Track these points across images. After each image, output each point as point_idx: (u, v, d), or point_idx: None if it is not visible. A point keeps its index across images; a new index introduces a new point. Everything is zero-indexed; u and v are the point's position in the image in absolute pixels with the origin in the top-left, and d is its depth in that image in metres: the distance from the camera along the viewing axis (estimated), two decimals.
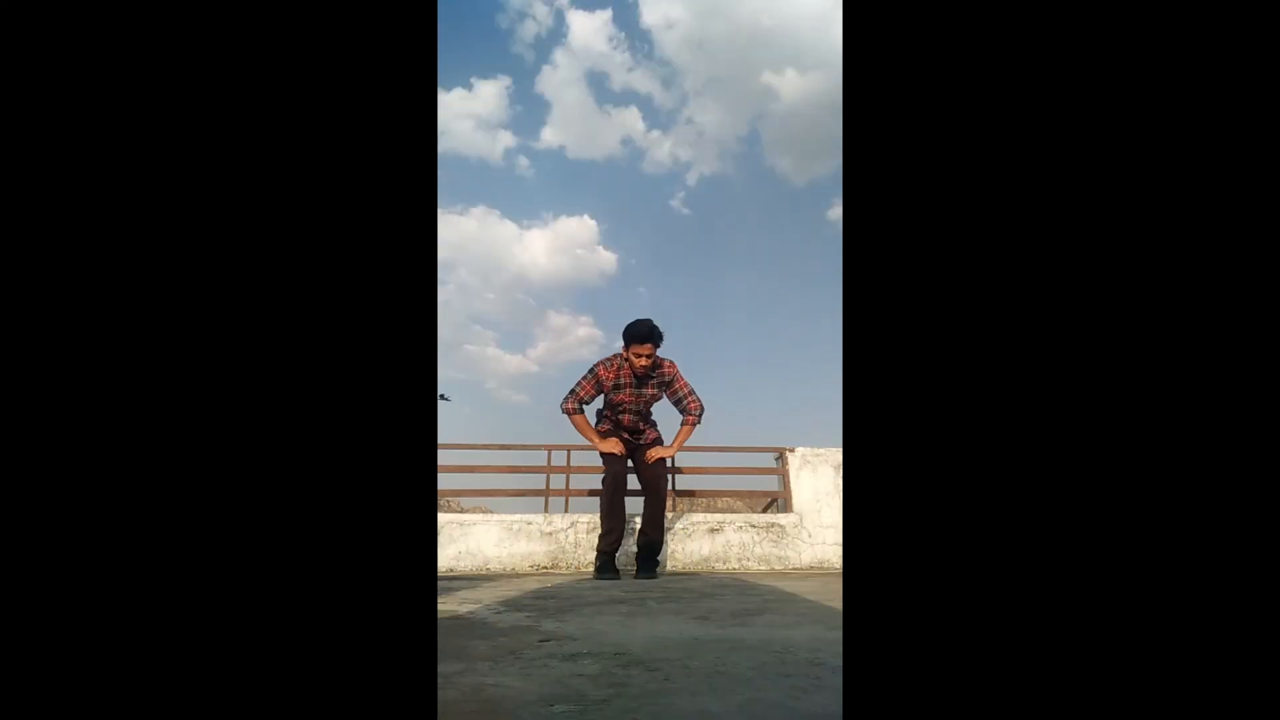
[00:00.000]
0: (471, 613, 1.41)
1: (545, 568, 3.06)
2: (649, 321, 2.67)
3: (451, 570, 2.96)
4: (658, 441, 2.80)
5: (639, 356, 2.63)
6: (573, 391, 2.70)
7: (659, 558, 2.77)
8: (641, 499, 2.76)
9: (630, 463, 2.77)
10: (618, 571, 2.60)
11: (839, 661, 0.82)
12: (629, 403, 2.75)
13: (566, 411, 2.68)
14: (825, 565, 3.20)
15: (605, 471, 2.71)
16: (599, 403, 2.84)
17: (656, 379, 2.74)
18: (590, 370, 2.72)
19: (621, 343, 2.71)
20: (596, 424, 2.78)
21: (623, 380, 2.72)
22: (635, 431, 2.78)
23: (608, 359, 2.73)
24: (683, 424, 2.75)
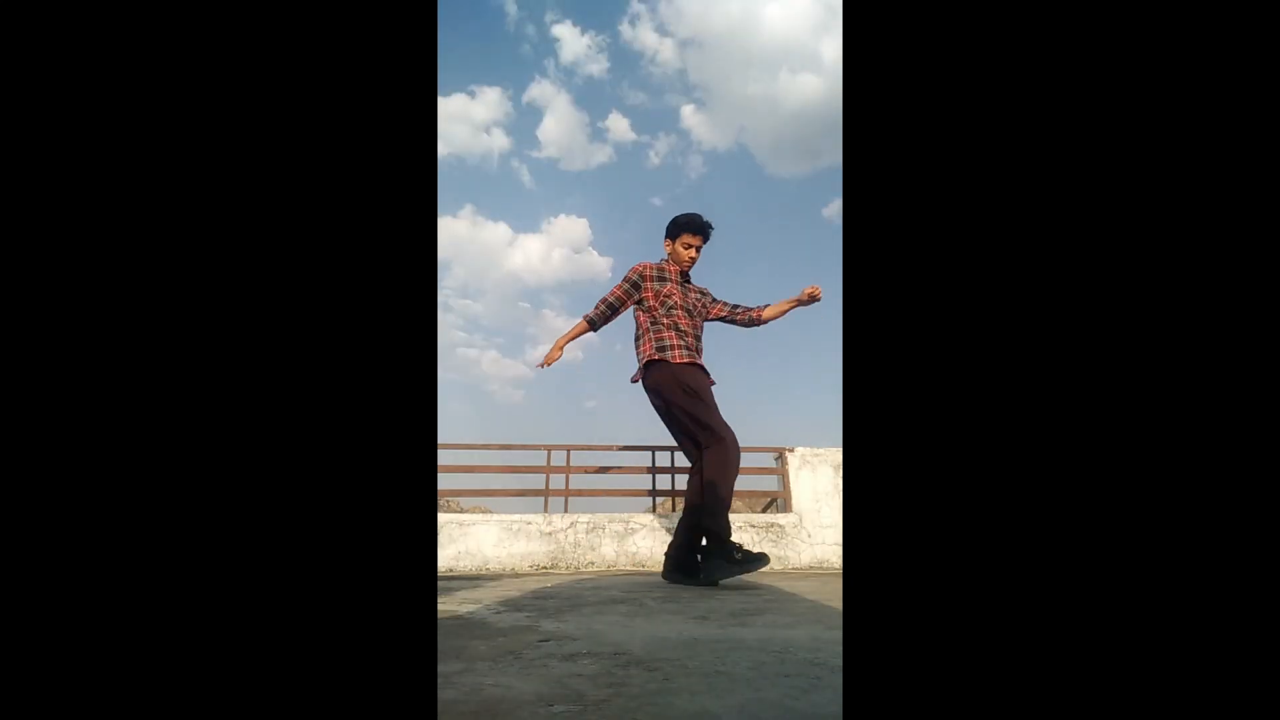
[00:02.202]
0: (471, 613, 1.41)
1: (545, 568, 3.07)
2: (699, 215, 2.30)
3: (451, 570, 2.96)
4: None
5: (688, 248, 2.28)
6: (602, 299, 2.32)
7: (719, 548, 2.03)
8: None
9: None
10: (745, 556, 2.01)
11: (838, 661, 0.82)
12: (677, 296, 2.25)
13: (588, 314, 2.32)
14: (825, 565, 3.20)
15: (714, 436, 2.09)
16: (624, 327, 2.37)
17: (701, 287, 2.37)
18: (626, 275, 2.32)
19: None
20: (652, 337, 2.24)
21: (668, 274, 2.29)
22: (698, 337, 2.24)
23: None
24: (764, 311, 2.37)
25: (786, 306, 2.39)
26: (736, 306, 2.43)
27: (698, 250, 2.33)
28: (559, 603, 1.59)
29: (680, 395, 2.16)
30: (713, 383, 2.30)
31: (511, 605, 1.54)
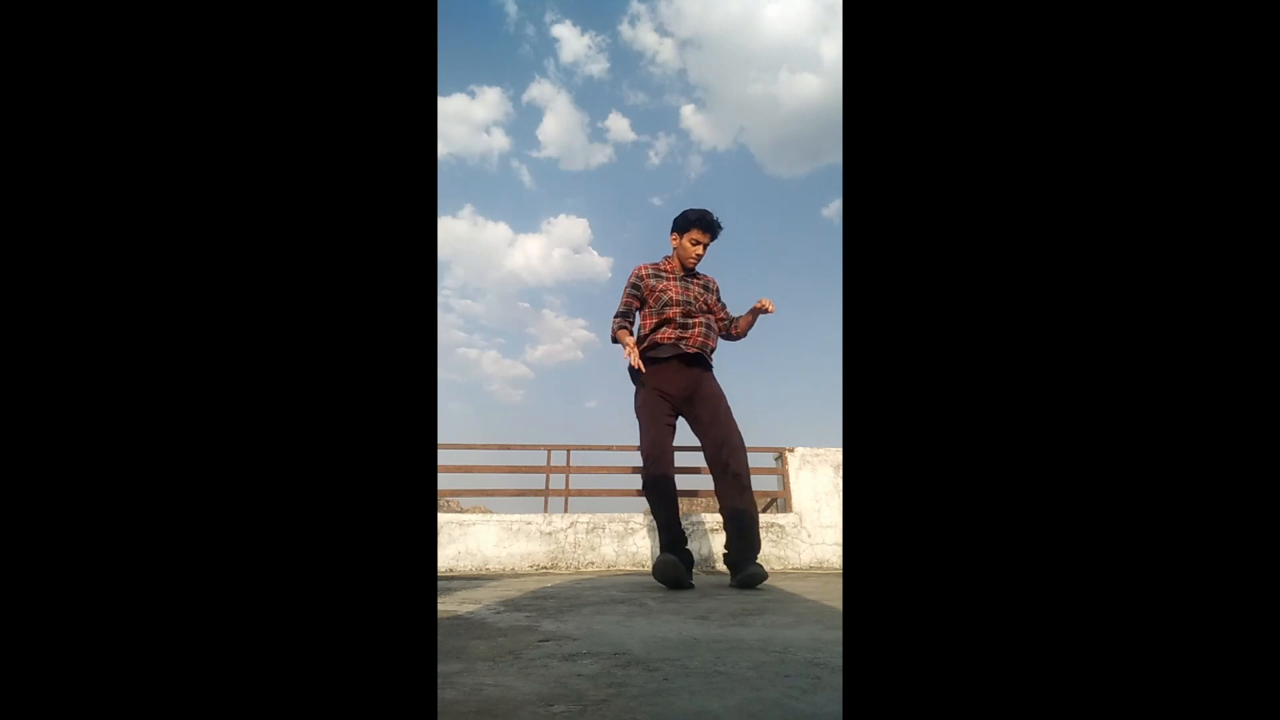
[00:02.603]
0: (471, 613, 1.41)
1: (545, 568, 3.07)
2: (708, 211, 2.28)
3: (451, 570, 2.97)
4: (708, 348, 2.27)
5: (696, 245, 2.28)
6: (616, 312, 2.36)
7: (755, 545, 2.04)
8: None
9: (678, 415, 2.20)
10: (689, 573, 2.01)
11: (838, 661, 0.82)
12: (674, 294, 2.27)
13: (613, 334, 2.32)
14: (825, 565, 3.20)
15: (642, 436, 2.17)
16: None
17: (702, 281, 2.37)
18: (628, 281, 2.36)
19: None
20: (641, 336, 2.28)
21: (665, 271, 2.34)
22: (684, 325, 2.24)
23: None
24: (740, 320, 2.36)
25: (750, 319, 2.38)
26: (724, 318, 2.42)
27: (704, 248, 2.33)
28: (559, 603, 1.59)
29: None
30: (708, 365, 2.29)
31: (511, 605, 1.54)
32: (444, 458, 3.29)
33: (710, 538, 3.20)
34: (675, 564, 1.96)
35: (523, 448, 3.42)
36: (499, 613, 1.41)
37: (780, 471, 3.48)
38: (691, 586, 2.01)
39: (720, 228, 2.33)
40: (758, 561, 2.07)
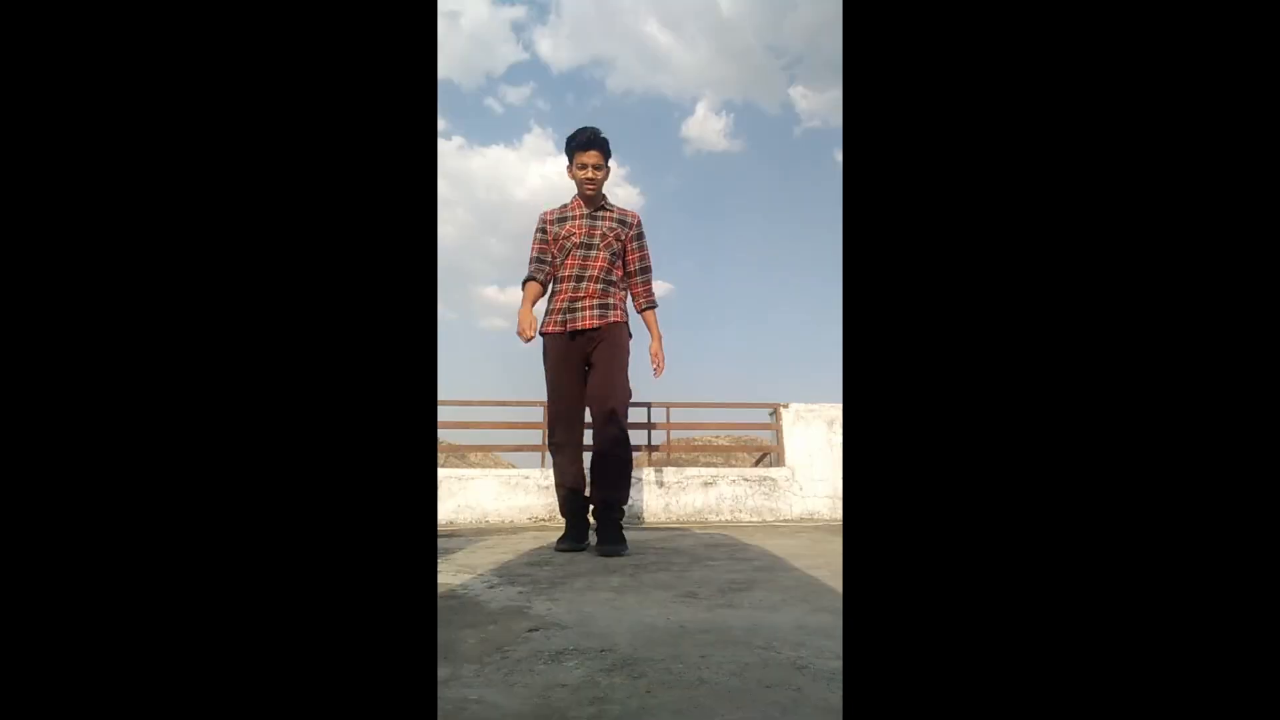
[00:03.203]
0: (465, 587, 1.44)
1: (543, 520, 3.14)
2: (591, 127, 2.05)
3: (452, 523, 3.04)
4: (619, 310, 2.11)
5: (584, 169, 2.06)
6: (529, 258, 2.17)
7: (620, 518, 2.03)
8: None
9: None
10: (586, 534, 2.08)
11: (821, 663, 0.83)
12: (577, 235, 2.09)
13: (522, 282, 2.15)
14: (815, 517, 3.28)
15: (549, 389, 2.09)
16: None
17: (616, 215, 2.15)
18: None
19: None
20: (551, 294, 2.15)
21: (571, 213, 2.13)
22: (580, 278, 2.07)
23: None
24: (646, 312, 2.21)
25: (652, 340, 2.21)
26: (642, 279, 2.20)
27: (599, 170, 2.07)
28: (552, 571, 1.63)
29: None
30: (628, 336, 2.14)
31: (506, 577, 1.57)
32: (443, 414, 3.30)
33: (704, 490, 3.26)
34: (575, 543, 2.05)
35: (519, 404, 3.43)
36: (493, 586, 1.44)
37: (774, 427, 3.50)
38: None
39: (607, 143, 2.07)
40: (621, 525, 2.04)
